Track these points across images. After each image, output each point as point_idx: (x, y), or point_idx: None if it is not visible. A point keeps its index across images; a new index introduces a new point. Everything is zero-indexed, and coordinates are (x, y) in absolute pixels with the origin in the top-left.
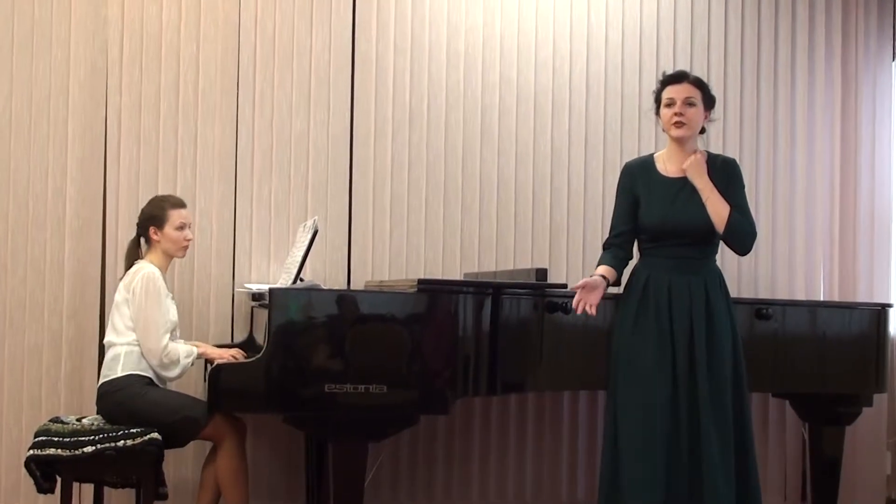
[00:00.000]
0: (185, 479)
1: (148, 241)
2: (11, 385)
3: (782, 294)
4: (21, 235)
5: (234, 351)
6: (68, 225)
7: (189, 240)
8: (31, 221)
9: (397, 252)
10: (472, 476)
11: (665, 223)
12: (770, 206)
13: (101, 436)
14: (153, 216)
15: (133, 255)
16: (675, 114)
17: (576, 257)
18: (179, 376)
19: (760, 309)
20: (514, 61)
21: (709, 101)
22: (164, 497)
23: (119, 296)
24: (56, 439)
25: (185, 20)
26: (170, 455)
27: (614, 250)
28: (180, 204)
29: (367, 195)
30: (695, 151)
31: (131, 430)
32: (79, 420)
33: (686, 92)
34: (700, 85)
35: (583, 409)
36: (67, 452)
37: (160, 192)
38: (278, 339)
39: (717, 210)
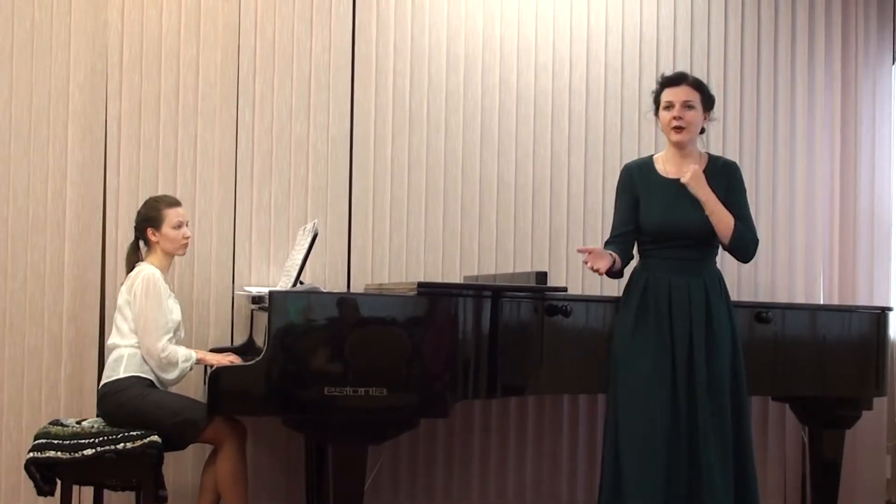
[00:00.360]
0: (185, 482)
1: (147, 242)
2: (11, 388)
3: (782, 297)
4: (21, 239)
5: (231, 356)
6: (68, 228)
7: (187, 237)
8: (31, 225)
9: (397, 255)
10: (472, 479)
11: (664, 225)
12: (770, 209)
13: (100, 438)
14: (149, 217)
15: (133, 259)
16: (674, 118)
17: (576, 260)
18: (178, 379)
19: (760, 312)
20: (513, 65)
21: (708, 102)
22: (164, 500)
23: (121, 298)
24: (56, 442)
25: (185, 24)
26: (169, 458)
27: (615, 247)
28: (175, 202)
29: (367, 198)
30: (693, 156)
31: (131, 433)
32: (79, 423)
33: (685, 95)
34: (699, 86)
35: (582, 412)
36: (67, 455)
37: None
38: (278, 341)
39: (722, 222)
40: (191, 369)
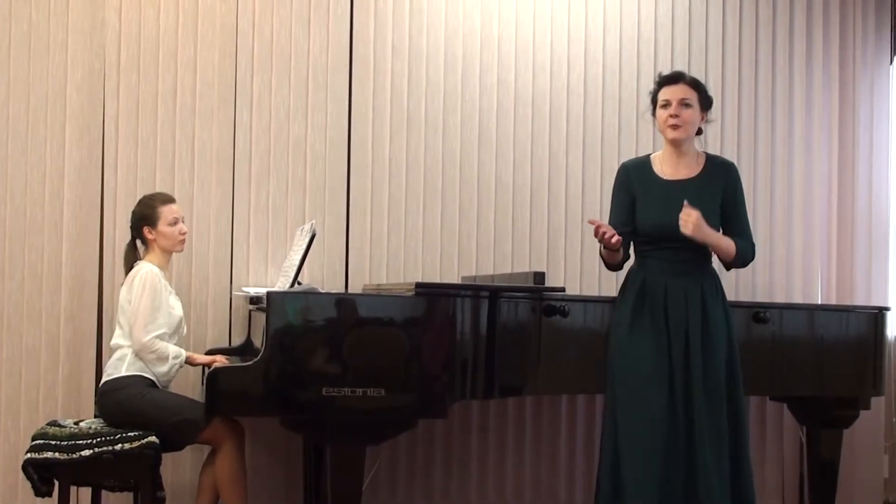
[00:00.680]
0: (183, 483)
1: (144, 241)
2: (9, 388)
3: (780, 297)
4: (18, 239)
5: (218, 357)
6: (66, 228)
7: (184, 233)
8: (29, 225)
9: (395, 255)
10: (471, 479)
11: (661, 226)
12: (768, 209)
13: (98, 439)
14: (144, 216)
15: (131, 258)
16: (671, 115)
17: (573, 260)
18: (168, 374)
19: (758, 312)
20: (511, 65)
21: (705, 102)
22: (162, 501)
23: (122, 298)
24: (53, 443)
25: (183, 24)
26: (167, 459)
27: None
28: (169, 199)
29: (365, 198)
30: (691, 155)
31: (129, 434)
32: (76, 424)
33: (682, 93)
34: (696, 86)
35: (581, 412)
36: (65, 456)
37: None
38: (276, 342)
39: (723, 251)
40: (180, 367)
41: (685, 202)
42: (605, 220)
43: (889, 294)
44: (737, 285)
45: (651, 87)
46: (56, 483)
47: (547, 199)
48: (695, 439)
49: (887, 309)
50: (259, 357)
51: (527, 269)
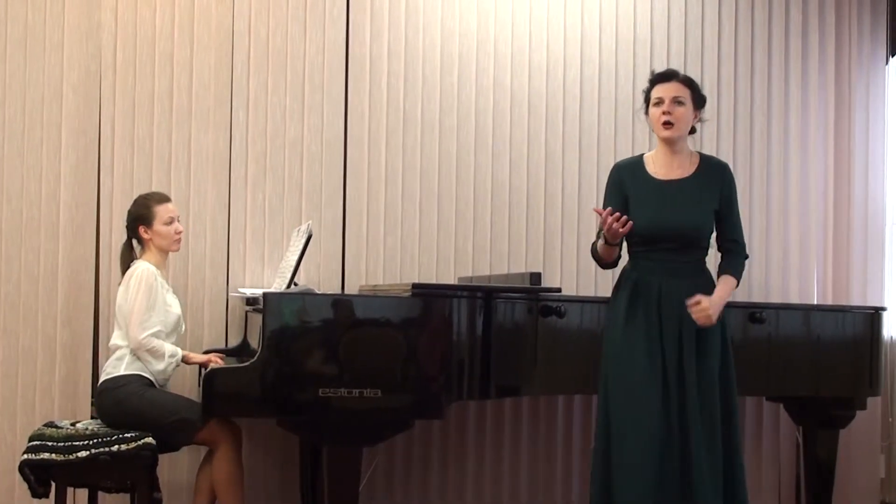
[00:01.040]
0: (180, 484)
1: (140, 241)
2: (5, 390)
3: (776, 297)
4: (14, 240)
5: (214, 356)
6: (62, 230)
7: (180, 232)
8: (25, 226)
9: (391, 256)
10: (467, 479)
11: (655, 227)
12: (764, 209)
13: (95, 440)
14: (140, 216)
15: (127, 258)
16: (664, 113)
17: (570, 261)
18: (163, 373)
19: (754, 312)
20: (507, 66)
21: (699, 101)
22: (158, 502)
23: (120, 298)
24: (50, 444)
25: (179, 25)
26: (164, 460)
27: None
28: (165, 198)
29: (361, 199)
30: (685, 154)
31: (126, 435)
32: (73, 425)
33: (675, 91)
34: (689, 84)
35: (577, 412)
36: (61, 457)
37: None
38: (272, 343)
39: (732, 292)
40: (177, 366)
41: (688, 302)
42: (595, 224)
43: (885, 294)
44: None
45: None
46: (52, 484)
47: (543, 199)
48: (688, 440)
49: (883, 309)
50: (256, 358)
51: (523, 270)
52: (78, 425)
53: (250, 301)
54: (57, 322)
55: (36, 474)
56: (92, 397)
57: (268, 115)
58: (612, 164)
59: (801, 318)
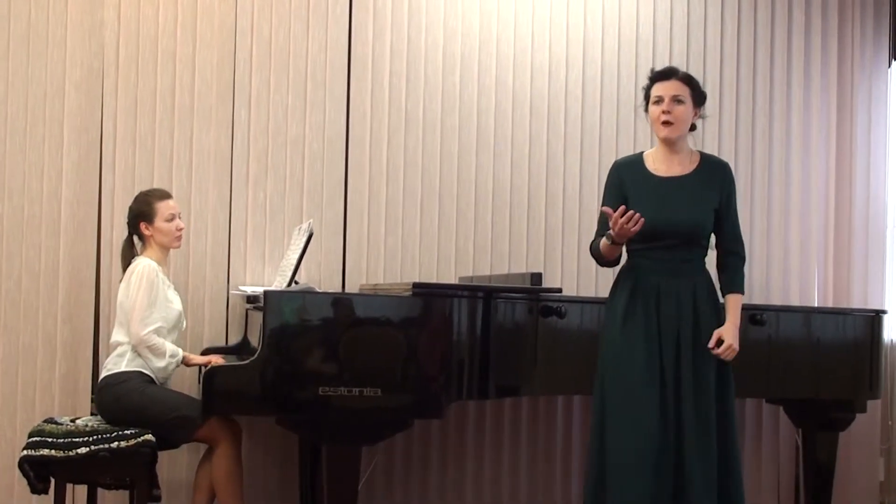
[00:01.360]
0: (179, 481)
1: (141, 237)
2: (5, 386)
3: (777, 300)
4: (16, 237)
5: (214, 357)
6: (63, 227)
7: (181, 229)
8: (27, 223)
9: (392, 255)
10: (467, 479)
11: (654, 223)
12: (765, 211)
13: (94, 437)
14: (141, 212)
15: (128, 254)
16: (663, 111)
17: (570, 262)
18: (163, 371)
19: (755, 314)
20: (510, 66)
21: (698, 98)
22: (158, 499)
23: (121, 294)
24: (50, 440)
25: (182, 23)
26: (163, 457)
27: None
28: (166, 195)
29: (363, 198)
30: (685, 153)
31: (125, 432)
32: (73, 421)
33: (674, 89)
34: (689, 81)
35: (577, 412)
36: (61, 453)
37: None
38: (273, 341)
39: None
40: (177, 366)
41: (711, 347)
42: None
43: (885, 297)
44: None
45: None
46: (52, 480)
47: (544, 199)
48: (684, 440)
49: (884, 312)
50: (256, 356)
51: (524, 270)
52: (78, 422)
53: (251, 299)
54: (57, 319)
55: (35, 470)
56: (92, 394)
57: (270, 113)
58: None
59: (801, 320)
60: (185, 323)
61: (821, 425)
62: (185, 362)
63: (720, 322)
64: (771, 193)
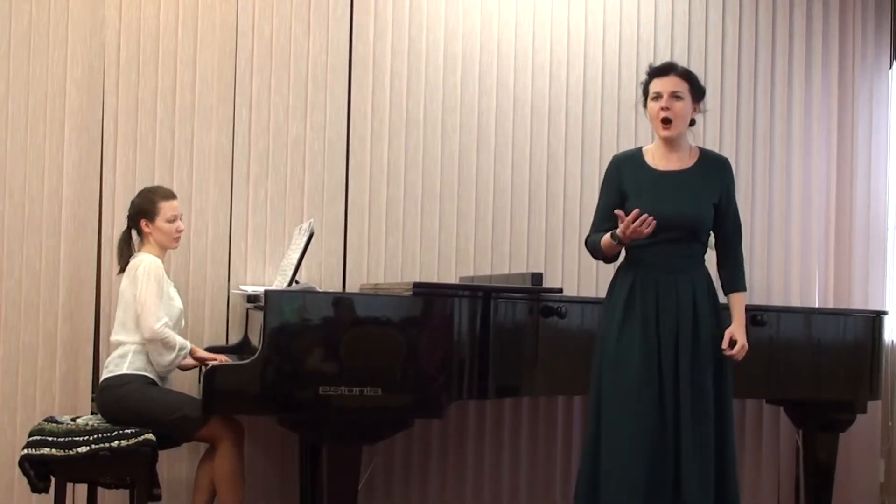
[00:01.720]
0: (179, 480)
1: (140, 233)
2: (6, 385)
3: (777, 300)
4: (17, 236)
5: (221, 356)
6: (64, 226)
7: (181, 231)
8: (27, 223)
9: (393, 255)
10: (466, 479)
11: (653, 216)
12: (766, 212)
13: (95, 436)
14: (144, 209)
15: (125, 249)
16: (662, 108)
17: (571, 262)
18: (170, 365)
19: (755, 315)
20: (510, 66)
21: (697, 93)
22: (158, 498)
23: (123, 290)
24: (50, 439)
25: (183, 23)
26: (164, 456)
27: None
28: (171, 195)
29: (364, 198)
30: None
31: (126, 431)
32: (73, 420)
33: (673, 85)
34: (688, 77)
35: (577, 413)
36: (61, 452)
37: None
38: (273, 341)
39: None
40: (183, 359)
41: (724, 349)
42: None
43: (886, 298)
44: None
45: None
46: (52, 479)
47: (545, 200)
48: (680, 440)
49: (885, 313)
50: (256, 355)
51: (524, 270)
52: (78, 420)
53: (251, 298)
54: (58, 318)
55: (36, 469)
56: (92, 393)
57: (270, 113)
58: None
59: (802, 321)
60: (183, 322)
61: (821, 426)
62: (192, 355)
63: (719, 319)
64: (772, 194)
